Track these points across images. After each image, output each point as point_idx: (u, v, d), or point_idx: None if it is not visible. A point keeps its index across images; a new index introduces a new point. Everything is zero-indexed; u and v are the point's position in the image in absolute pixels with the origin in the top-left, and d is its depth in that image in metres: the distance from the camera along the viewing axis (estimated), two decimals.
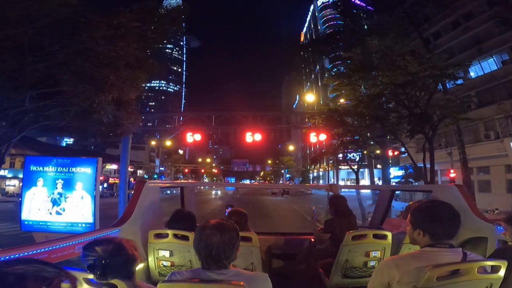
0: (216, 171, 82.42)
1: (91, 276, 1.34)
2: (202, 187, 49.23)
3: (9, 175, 30.80)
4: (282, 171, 72.31)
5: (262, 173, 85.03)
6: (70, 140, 45.67)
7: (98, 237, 1.63)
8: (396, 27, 13.72)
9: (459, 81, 13.19)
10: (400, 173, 26.30)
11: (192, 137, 13.93)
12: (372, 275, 1.67)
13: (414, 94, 12.09)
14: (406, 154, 14.76)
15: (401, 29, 14.12)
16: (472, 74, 21.94)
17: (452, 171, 16.63)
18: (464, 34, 23.05)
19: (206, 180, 75.66)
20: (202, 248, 1.45)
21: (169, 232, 2.59)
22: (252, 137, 13.76)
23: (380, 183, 23.93)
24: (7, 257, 1.60)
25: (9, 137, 7.60)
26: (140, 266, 1.66)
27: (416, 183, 19.80)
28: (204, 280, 1.39)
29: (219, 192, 44.64)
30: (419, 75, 10.99)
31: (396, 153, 20.51)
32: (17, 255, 1.67)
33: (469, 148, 17.44)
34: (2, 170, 29.13)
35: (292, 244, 3.79)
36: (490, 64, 21.49)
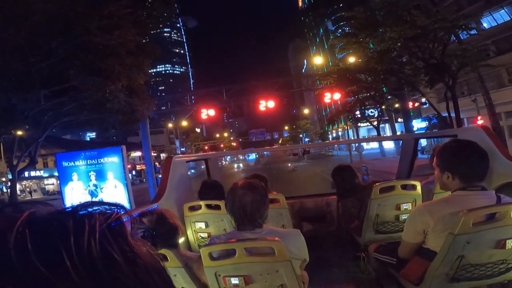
0: (235, 144, 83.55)
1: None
2: (223, 162, 50.23)
3: (46, 175, 32.72)
4: (300, 136, 72.02)
5: (280, 140, 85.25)
6: (92, 134, 47.62)
7: (143, 211, 1.72)
8: None
9: (473, 32, 12.32)
10: (424, 124, 25.33)
11: (206, 113, 14.05)
12: (405, 224, 1.63)
13: (427, 46, 11.58)
14: (427, 105, 14.25)
15: None
16: (485, 25, 20.65)
17: (479, 117, 15.85)
18: None
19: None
20: (237, 208, 1.45)
21: (202, 203, 2.63)
22: (266, 105, 13.67)
23: None
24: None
25: (35, 138, 8.03)
26: (181, 241, 1.77)
27: None
28: (240, 239, 1.41)
29: (241, 165, 45.51)
30: (429, 28, 10.55)
31: (416, 104, 19.70)
32: None
33: (494, 94, 16.52)
34: (38, 171, 31.02)
35: (320, 205, 3.73)
36: (502, 15, 20.30)
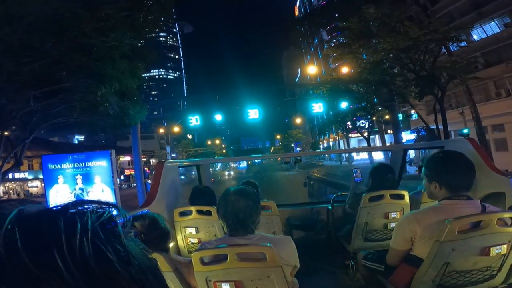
0: (226, 151, 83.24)
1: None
2: (213, 169, 49.95)
3: (30, 177, 31.94)
4: (292, 145, 72.40)
5: (272, 148, 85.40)
6: (81, 137, 46.66)
7: (134, 215, 1.70)
8: None
9: (463, 43, 12.77)
10: (412, 136, 25.90)
11: (197, 119, 13.98)
12: (393, 232, 1.66)
13: (418, 57, 11.84)
14: (416, 116, 14.61)
15: None
16: (475, 37, 21.30)
17: (465, 130, 16.29)
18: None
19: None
20: (230, 214, 1.45)
21: (193, 208, 2.64)
22: (258, 113, 13.71)
23: None
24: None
25: (22, 139, 7.80)
26: (171, 245, 1.76)
27: None
28: (232, 245, 1.42)
29: (231, 173, 45.32)
30: (421, 39, 10.81)
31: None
32: None
33: (481, 107, 16.98)
34: (23, 173, 30.21)
35: (310, 214, 3.80)
36: (492, 27, 20.76)
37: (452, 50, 14.40)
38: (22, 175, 30.65)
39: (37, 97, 7.05)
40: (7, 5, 5.36)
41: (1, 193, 30.82)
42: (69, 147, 32.13)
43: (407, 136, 26.28)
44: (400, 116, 18.03)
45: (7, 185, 31.59)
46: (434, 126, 12.52)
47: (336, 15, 16.80)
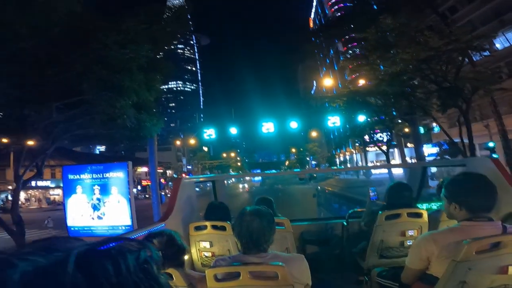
0: (240, 164, 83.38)
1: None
2: (229, 182, 50.02)
3: (52, 185, 33.20)
4: (308, 158, 71.52)
5: (287, 162, 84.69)
6: (102, 148, 48.32)
7: (151, 231, 1.80)
8: (408, 4, 12.98)
9: (486, 53, 12.28)
10: (435, 150, 24.92)
11: (212, 133, 14.07)
12: (410, 251, 1.65)
13: (440, 68, 11.42)
14: (438, 130, 14.03)
15: (414, 5, 13.34)
16: (498, 45, 20.61)
17: (491, 144, 15.47)
18: (482, 6, 21.54)
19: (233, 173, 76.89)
20: (244, 233, 1.52)
21: (208, 223, 2.72)
22: (273, 127, 13.62)
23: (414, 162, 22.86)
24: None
25: (44, 149, 8.07)
26: (185, 258, 1.84)
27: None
28: (245, 263, 1.47)
29: (246, 186, 45.17)
30: (442, 49, 10.43)
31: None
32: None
33: (506, 119, 16.22)
34: (45, 181, 31.52)
35: (324, 229, 3.79)
36: None
37: (474, 60, 13.89)
38: (44, 183, 31.97)
39: (60, 108, 7.29)
40: (33, 17, 5.62)
41: (24, 200, 32.33)
42: (90, 157, 33.32)
43: (428, 150, 25.28)
44: (421, 130, 17.39)
45: (30, 192, 32.94)
46: (458, 140, 11.94)
47: (352, 26, 16.71)
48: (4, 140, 9.25)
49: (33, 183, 31.19)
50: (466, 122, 11.28)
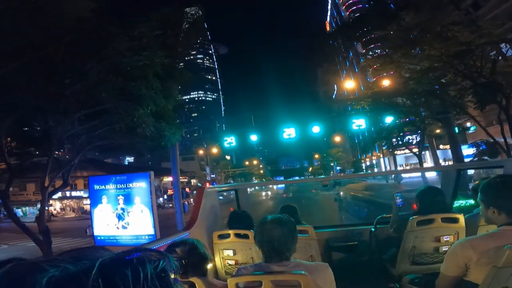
0: (263, 171, 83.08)
1: (172, 276, 1.47)
2: (252, 190, 49.99)
3: (85, 195, 35.00)
4: (332, 164, 69.69)
5: (310, 168, 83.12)
6: (131, 159, 50.34)
7: (175, 240, 1.85)
8: (428, 1, 12.35)
9: None
10: (471, 151, 23.21)
11: (233, 140, 14.05)
12: (445, 257, 1.59)
13: (473, 63, 10.71)
14: (473, 129, 12.99)
15: (435, 1, 12.67)
16: None
17: None
18: (507, 1, 20.46)
19: (255, 181, 76.92)
20: (265, 242, 1.51)
21: (231, 232, 2.79)
22: (294, 132, 13.31)
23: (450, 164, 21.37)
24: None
25: (70, 161, 8.35)
26: (208, 267, 1.83)
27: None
28: (267, 272, 1.46)
29: (269, 193, 44.90)
30: (475, 43, 9.82)
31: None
32: None
33: None
34: (79, 192, 33.32)
35: (351, 235, 3.69)
36: None
37: (508, 55, 12.96)
38: (78, 194, 33.79)
39: (81, 119, 7.50)
40: (46, 24, 5.75)
41: (58, 209, 34.28)
42: (118, 168, 34.70)
43: (465, 151, 23.62)
44: (456, 130, 16.23)
45: (65, 202, 34.94)
46: (501, 139, 10.97)
47: (370, 27, 16.17)
48: (32, 152, 9.68)
49: (67, 194, 33.12)
50: (508, 119, 10.34)
